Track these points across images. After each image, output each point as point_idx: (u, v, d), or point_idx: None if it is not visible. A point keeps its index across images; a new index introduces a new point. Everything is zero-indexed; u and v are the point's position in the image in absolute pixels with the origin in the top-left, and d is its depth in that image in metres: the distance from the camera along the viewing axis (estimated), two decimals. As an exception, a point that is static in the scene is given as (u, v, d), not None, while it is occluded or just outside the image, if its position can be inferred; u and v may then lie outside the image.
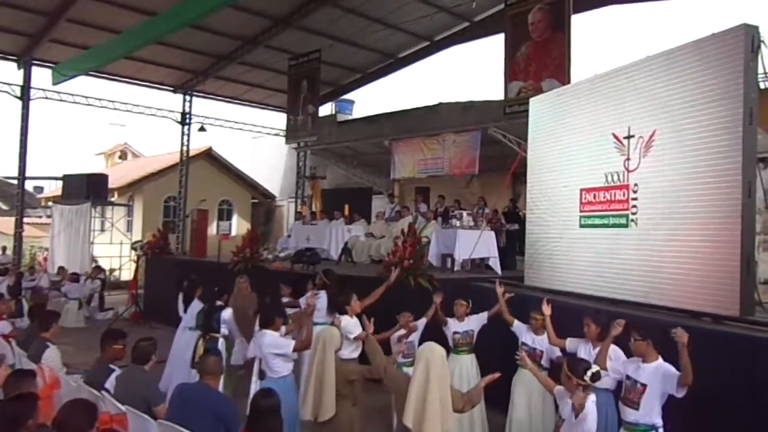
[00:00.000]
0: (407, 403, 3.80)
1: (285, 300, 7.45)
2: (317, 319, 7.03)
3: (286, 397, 5.03)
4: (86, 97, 17.75)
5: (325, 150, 18.09)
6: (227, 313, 7.11)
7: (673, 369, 4.25)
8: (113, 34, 14.35)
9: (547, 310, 5.54)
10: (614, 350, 4.76)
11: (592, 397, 3.94)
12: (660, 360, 4.37)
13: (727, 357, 4.88)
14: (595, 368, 4.03)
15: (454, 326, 6.44)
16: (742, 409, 4.66)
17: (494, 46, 12.66)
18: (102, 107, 18.21)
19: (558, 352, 5.66)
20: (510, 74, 11.87)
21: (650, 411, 4.25)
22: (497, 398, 6.06)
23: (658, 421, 4.25)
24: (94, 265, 16.61)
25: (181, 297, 8.06)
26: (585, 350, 5.18)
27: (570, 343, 5.27)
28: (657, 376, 4.29)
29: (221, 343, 7.09)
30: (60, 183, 19.85)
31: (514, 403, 5.83)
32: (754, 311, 5.48)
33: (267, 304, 6.42)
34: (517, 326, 6.05)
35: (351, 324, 5.94)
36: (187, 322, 7.53)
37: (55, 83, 15.61)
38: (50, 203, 20.91)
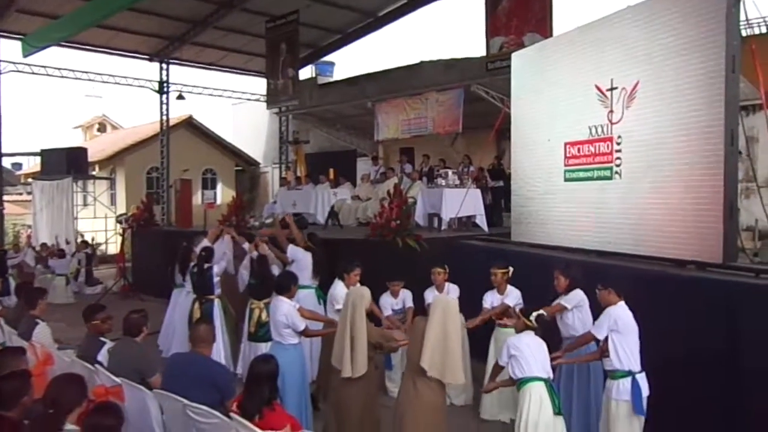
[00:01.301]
0: (424, 348, 4.06)
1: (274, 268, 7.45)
2: (302, 281, 7.06)
3: (294, 365, 5.11)
4: (59, 69, 17.28)
5: (307, 114, 17.89)
6: (218, 268, 7.18)
7: (613, 312, 4.43)
8: (83, 1, 13.92)
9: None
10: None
11: (528, 335, 4.42)
12: (618, 304, 4.48)
13: (711, 302, 4.98)
14: (542, 312, 4.54)
15: (430, 296, 6.22)
16: (722, 352, 4.77)
17: (475, 0, 12.45)
18: (76, 79, 17.76)
19: (517, 297, 5.85)
20: (491, 29, 11.71)
21: (617, 355, 4.37)
22: (479, 348, 6.19)
23: (635, 367, 4.36)
24: (80, 240, 16.49)
25: (177, 266, 8.08)
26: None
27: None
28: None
29: (217, 304, 7.13)
30: (38, 159, 19.51)
31: (491, 360, 5.94)
32: (737, 257, 5.57)
33: (283, 273, 6.38)
34: (485, 298, 6.06)
35: (341, 294, 5.86)
36: (189, 287, 7.59)
37: (25, 55, 15.13)
38: (30, 180, 20.58)
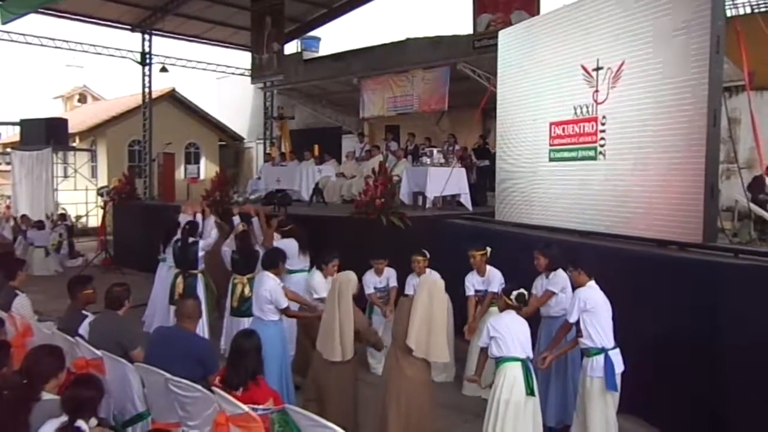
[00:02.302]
0: (410, 327, 4.08)
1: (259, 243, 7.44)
2: (290, 266, 6.91)
3: (274, 341, 5.10)
4: (39, 38, 16.88)
5: (292, 89, 17.70)
6: (204, 243, 7.11)
7: (582, 294, 4.48)
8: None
9: None
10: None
11: (509, 314, 4.41)
12: (587, 285, 4.53)
13: (692, 282, 5.05)
14: (522, 291, 4.48)
15: (413, 282, 6.22)
16: (703, 331, 4.85)
17: (462, -23, 12.37)
18: (57, 48, 17.38)
19: (500, 279, 5.81)
20: (479, 7, 11.64)
21: (589, 333, 4.44)
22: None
23: (608, 344, 4.42)
24: (60, 212, 16.27)
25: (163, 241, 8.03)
26: (540, 284, 5.34)
27: (533, 288, 5.40)
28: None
29: (200, 279, 7.08)
30: (17, 128, 19.15)
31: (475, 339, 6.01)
32: (717, 238, 5.64)
33: (272, 249, 6.31)
34: (466, 283, 6.05)
35: (320, 283, 5.86)
36: (170, 261, 7.52)
37: (4, 22, 14.75)
38: (9, 150, 20.21)
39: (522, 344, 4.35)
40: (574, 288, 4.80)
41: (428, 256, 6.35)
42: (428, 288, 4.24)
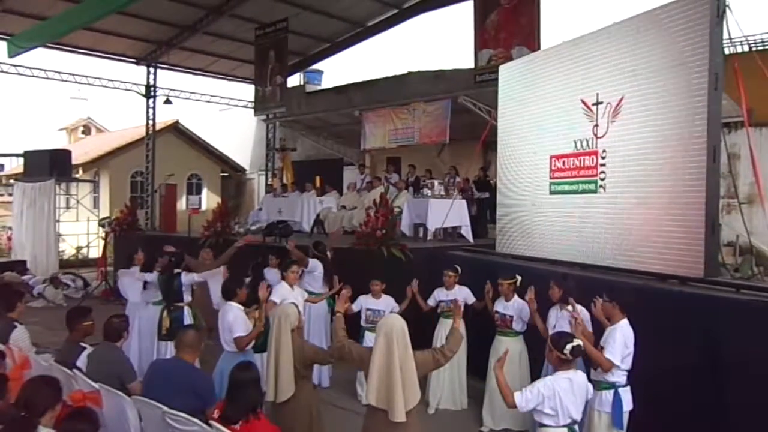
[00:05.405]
0: (369, 382, 3.67)
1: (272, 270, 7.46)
2: (314, 289, 7.30)
3: None
4: (45, 71, 17.11)
5: (295, 121, 17.88)
6: (186, 277, 6.84)
7: (627, 336, 4.41)
8: (72, 3, 13.84)
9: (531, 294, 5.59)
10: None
11: (567, 375, 3.83)
12: (621, 322, 4.50)
13: (692, 317, 5.02)
14: (576, 342, 3.88)
15: (440, 295, 6.63)
16: (703, 366, 4.81)
17: (464, 13, 12.57)
18: (62, 81, 17.62)
19: (527, 313, 5.80)
20: (480, 42, 11.81)
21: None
22: (477, 365, 6.18)
23: (620, 380, 4.39)
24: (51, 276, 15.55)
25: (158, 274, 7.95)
26: (554, 315, 5.32)
27: (549, 316, 5.40)
28: (609, 335, 4.50)
29: (187, 312, 6.90)
30: (21, 160, 19.28)
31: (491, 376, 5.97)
32: (719, 272, 5.62)
33: (229, 278, 6.29)
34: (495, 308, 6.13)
35: (284, 291, 6.09)
36: (149, 297, 7.37)
37: (10, 56, 14.96)
38: (12, 181, 20.31)
39: (571, 409, 3.78)
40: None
41: (459, 271, 6.66)
42: (385, 333, 3.66)
